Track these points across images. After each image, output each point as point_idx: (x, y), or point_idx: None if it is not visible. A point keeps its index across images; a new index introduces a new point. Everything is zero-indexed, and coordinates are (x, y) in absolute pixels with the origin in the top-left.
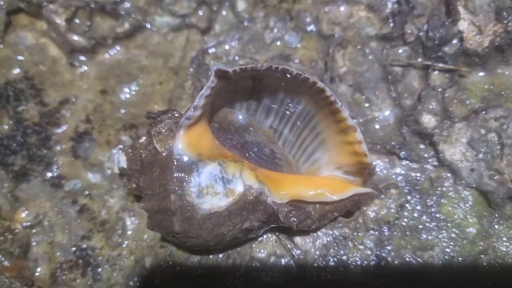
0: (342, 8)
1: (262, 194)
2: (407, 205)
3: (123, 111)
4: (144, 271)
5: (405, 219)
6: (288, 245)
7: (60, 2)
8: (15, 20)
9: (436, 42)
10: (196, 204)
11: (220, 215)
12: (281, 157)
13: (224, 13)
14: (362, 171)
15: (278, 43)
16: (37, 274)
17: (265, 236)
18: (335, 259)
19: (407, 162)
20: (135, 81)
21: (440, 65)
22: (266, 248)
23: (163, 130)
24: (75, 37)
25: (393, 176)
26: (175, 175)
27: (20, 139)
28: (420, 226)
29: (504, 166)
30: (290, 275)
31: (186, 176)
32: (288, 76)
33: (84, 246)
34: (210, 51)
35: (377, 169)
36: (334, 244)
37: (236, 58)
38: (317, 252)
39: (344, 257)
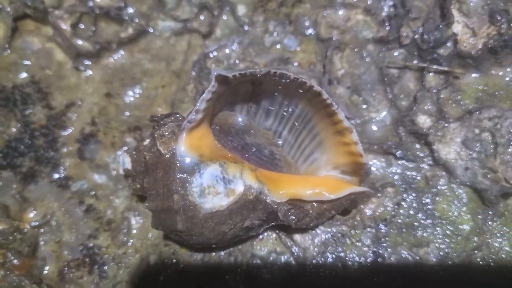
0: (339, 12)
1: (262, 194)
2: (403, 203)
3: (127, 113)
4: (149, 269)
5: (401, 217)
6: (288, 243)
7: (65, 8)
8: (21, 26)
9: (431, 44)
10: (198, 203)
11: (221, 214)
12: (280, 158)
13: (224, 17)
14: (359, 171)
15: (278, 46)
16: (45, 272)
17: (265, 234)
18: (333, 255)
19: (403, 161)
20: (139, 85)
21: (435, 67)
22: (266, 246)
23: (166, 133)
24: (80, 42)
25: (390, 175)
26: (178, 176)
27: (28, 141)
28: (416, 223)
29: (497, 164)
30: (290, 272)
31: (189, 177)
32: (286, 80)
33: (91, 244)
34: (211, 55)
35: (374, 169)
36: (333, 241)
37: (237, 61)
38: (316, 249)
39: (342, 254)
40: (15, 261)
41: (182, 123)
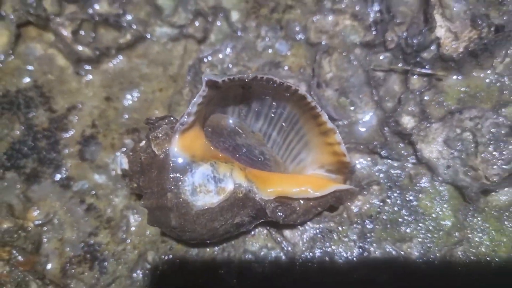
0: (328, 18)
1: (251, 192)
2: (388, 200)
3: (126, 116)
4: (146, 264)
5: (386, 213)
6: (278, 238)
7: (66, 15)
8: (24, 32)
9: (414, 48)
10: (190, 201)
11: (212, 211)
12: (270, 158)
13: (219, 23)
14: (343, 170)
15: (269, 51)
16: (48, 268)
17: (256, 231)
18: (321, 250)
19: (388, 160)
20: (137, 88)
21: (419, 70)
22: (258, 242)
23: (160, 135)
24: (81, 48)
25: (376, 174)
26: (171, 175)
27: (31, 143)
28: (400, 220)
29: (478, 163)
30: (280, 266)
31: (181, 176)
32: (273, 84)
33: (92, 242)
34: (206, 59)
35: (360, 167)
36: (321, 237)
37: (230, 66)
38: (305, 245)
39: (330, 249)
40: (20, 258)
41: (175, 125)
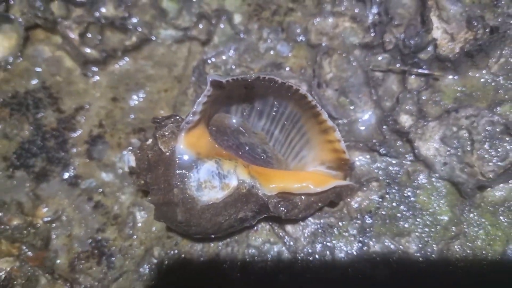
0: (328, 20)
1: (254, 188)
2: (387, 196)
3: (132, 116)
4: (153, 259)
5: (385, 209)
6: (280, 233)
7: (73, 18)
8: (32, 35)
9: (412, 49)
10: (196, 196)
11: (217, 206)
12: (272, 156)
13: (222, 26)
14: (343, 166)
15: (271, 52)
16: (57, 263)
17: (259, 226)
18: (322, 245)
19: (386, 157)
20: (142, 89)
21: (416, 70)
22: (260, 237)
23: (167, 133)
24: (88, 50)
25: (375, 171)
26: (177, 171)
27: (39, 143)
28: (398, 215)
29: (474, 160)
30: (282, 260)
31: (187, 172)
32: (274, 84)
33: (99, 238)
34: (210, 61)
35: (360, 164)
36: (321, 232)
37: (233, 67)
38: (306, 239)
39: (330, 244)
40: (29, 253)
41: (181, 124)
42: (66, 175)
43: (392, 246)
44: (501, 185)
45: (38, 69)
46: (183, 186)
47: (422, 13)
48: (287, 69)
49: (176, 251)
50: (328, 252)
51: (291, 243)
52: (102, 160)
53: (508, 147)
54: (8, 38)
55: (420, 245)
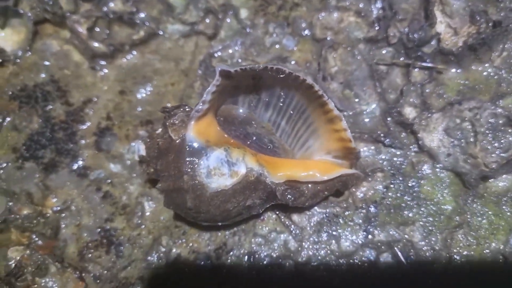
0: (333, 15)
1: (262, 176)
2: (391, 186)
3: (139, 109)
4: (161, 248)
5: (389, 199)
6: (287, 222)
7: (82, 13)
8: (41, 30)
9: (416, 43)
10: (205, 183)
11: (226, 193)
12: (279, 146)
13: (228, 20)
14: (349, 155)
15: (277, 46)
16: (66, 252)
17: (266, 215)
18: (328, 234)
19: (391, 149)
20: (150, 83)
21: (420, 63)
22: (267, 226)
23: (177, 122)
24: (96, 44)
25: (379, 161)
26: (187, 159)
27: (48, 135)
28: (403, 204)
29: (477, 151)
30: (288, 248)
31: (197, 159)
32: (282, 74)
33: (108, 227)
34: (216, 54)
35: (365, 155)
36: (327, 221)
37: (240, 60)
38: (312, 228)
39: (336, 232)
40: (39, 242)
41: (190, 113)
42: (75, 166)
43: (396, 235)
44: (504, 175)
45: (47, 63)
46: (193, 173)
47: (426, 8)
48: (293, 62)
49: (184, 240)
50: (333, 241)
51: (297, 232)
52: (111, 152)
53: (510, 139)
54: (17, 32)
55: (424, 234)
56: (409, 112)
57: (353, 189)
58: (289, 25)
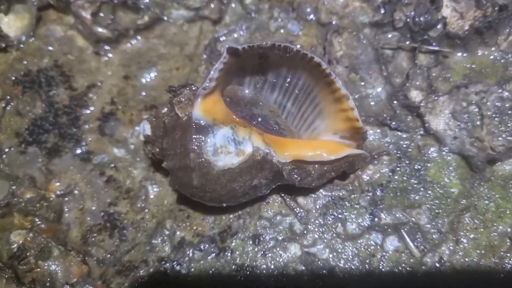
0: (339, 0)
1: (268, 155)
2: (397, 169)
3: (144, 93)
4: (165, 231)
5: (395, 182)
6: (292, 205)
7: None
8: (45, 16)
9: (422, 27)
10: (212, 161)
11: (232, 171)
12: (285, 128)
13: (233, 5)
14: (355, 135)
15: (282, 31)
16: (69, 236)
17: (271, 198)
18: (333, 216)
19: (397, 132)
20: (154, 67)
21: (426, 47)
22: (272, 209)
23: (183, 99)
24: (100, 29)
25: (385, 145)
26: (194, 136)
27: (52, 119)
28: (409, 188)
29: (484, 134)
30: (293, 231)
31: (203, 137)
32: (290, 52)
33: (111, 211)
34: (221, 39)
35: (371, 138)
36: (333, 204)
37: None
38: (318, 211)
39: (342, 215)
40: (43, 225)
41: (197, 92)
42: (78, 151)
43: (403, 218)
44: (510, 159)
45: (50, 48)
46: (200, 151)
47: None
48: (298, 46)
49: (188, 223)
50: (339, 224)
51: (303, 214)
52: (114, 136)
53: None
54: (20, 18)
55: (430, 217)
56: (415, 96)
57: (359, 172)
58: (294, 10)
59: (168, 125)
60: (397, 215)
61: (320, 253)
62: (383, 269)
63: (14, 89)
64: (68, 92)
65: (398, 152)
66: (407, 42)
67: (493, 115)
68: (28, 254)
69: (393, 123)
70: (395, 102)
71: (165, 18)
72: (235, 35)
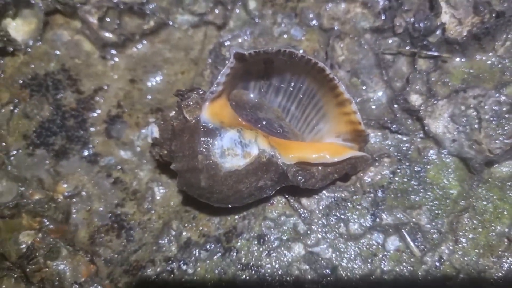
0: (340, 6)
1: (274, 157)
2: (398, 171)
3: (149, 97)
4: (172, 231)
5: (396, 183)
6: (296, 206)
7: (93, 3)
8: (52, 20)
9: (421, 32)
10: (219, 163)
11: (239, 173)
12: (288, 131)
13: (237, 11)
14: (358, 138)
15: (285, 36)
16: (77, 236)
17: (275, 199)
18: (336, 217)
19: (397, 135)
20: (160, 71)
21: (426, 52)
22: (277, 209)
23: (191, 103)
24: (107, 34)
25: (386, 147)
26: (202, 139)
27: (59, 122)
28: (409, 189)
29: (482, 137)
30: (297, 231)
31: (211, 139)
32: (294, 57)
33: (119, 212)
34: (226, 44)
35: (372, 141)
36: (336, 205)
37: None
38: (321, 212)
39: (344, 216)
40: (51, 226)
41: (204, 95)
42: (85, 153)
43: (404, 218)
44: (508, 161)
45: (58, 52)
46: (207, 153)
47: None
48: (301, 51)
49: (194, 224)
50: (342, 224)
51: (307, 215)
52: (121, 139)
53: None
54: (28, 23)
55: (430, 217)
56: (415, 99)
57: (361, 174)
58: (297, 16)
59: (176, 128)
60: (398, 216)
61: (323, 252)
62: (384, 268)
63: (22, 92)
64: (75, 96)
65: (399, 154)
66: (407, 48)
67: (491, 119)
68: (37, 254)
69: (394, 126)
70: (395, 105)
71: (170, 23)
72: (239, 40)
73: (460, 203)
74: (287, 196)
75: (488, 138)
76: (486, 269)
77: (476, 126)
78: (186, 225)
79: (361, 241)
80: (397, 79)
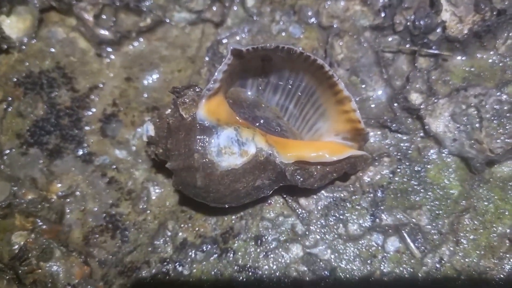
0: (340, 3)
1: (272, 156)
2: (398, 171)
3: (145, 95)
4: (167, 232)
5: (396, 183)
6: (294, 206)
7: (88, 0)
8: (47, 17)
9: (422, 30)
10: (216, 161)
11: (236, 172)
12: (287, 129)
13: (235, 8)
14: (357, 137)
15: (283, 34)
16: (71, 237)
17: (273, 199)
18: (335, 217)
19: (397, 134)
20: (156, 69)
21: (426, 50)
22: (274, 210)
23: (187, 100)
24: (102, 31)
25: (386, 146)
26: (198, 137)
27: (53, 121)
28: (409, 189)
29: (483, 137)
30: (295, 232)
31: (207, 138)
32: (293, 54)
33: (113, 212)
34: (223, 41)
35: (372, 140)
36: (334, 205)
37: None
38: (320, 212)
39: (343, 216)
40: (44, 226)
41: (201, 93)
42: (80, 152)
43: (403, 219)
44: (509, 161)
45: (52, 50)
46: (204, 151)
47: None
48: (300, 49)
49: (190, 224)
50: (341, 225)
51: (305, 215)
52: (116, 138)
53: None
54: (22, 20)
55: (431, 218)
56: (415, 98)
57: (360, 174)
58: (296, 13)
59: (172, 125)
60: (398, 216)
61: (322, 253)
62: (384, 270)
63: (16, 91)
64: (70, 94)
65: (399, 154)
66: (407, 46)
67: (492, 118)
68: (29, 255)
69: (394, 125)
70: (395, 104)
71: (167, 21)
72: (237, 38)
73: (461, 203)
74: (285, 196)
75: (489, 138)
76: (487, 271)
77: (477, 125)
78: (182, 225)
79: (360, 242)
80: (397, 77)
